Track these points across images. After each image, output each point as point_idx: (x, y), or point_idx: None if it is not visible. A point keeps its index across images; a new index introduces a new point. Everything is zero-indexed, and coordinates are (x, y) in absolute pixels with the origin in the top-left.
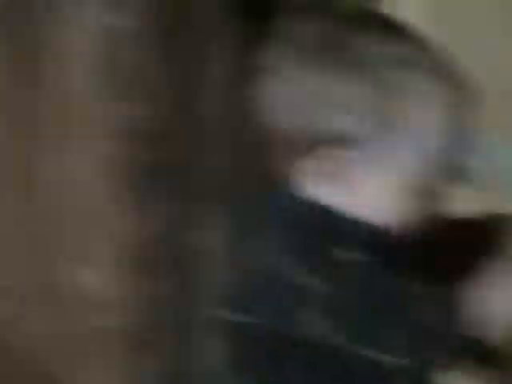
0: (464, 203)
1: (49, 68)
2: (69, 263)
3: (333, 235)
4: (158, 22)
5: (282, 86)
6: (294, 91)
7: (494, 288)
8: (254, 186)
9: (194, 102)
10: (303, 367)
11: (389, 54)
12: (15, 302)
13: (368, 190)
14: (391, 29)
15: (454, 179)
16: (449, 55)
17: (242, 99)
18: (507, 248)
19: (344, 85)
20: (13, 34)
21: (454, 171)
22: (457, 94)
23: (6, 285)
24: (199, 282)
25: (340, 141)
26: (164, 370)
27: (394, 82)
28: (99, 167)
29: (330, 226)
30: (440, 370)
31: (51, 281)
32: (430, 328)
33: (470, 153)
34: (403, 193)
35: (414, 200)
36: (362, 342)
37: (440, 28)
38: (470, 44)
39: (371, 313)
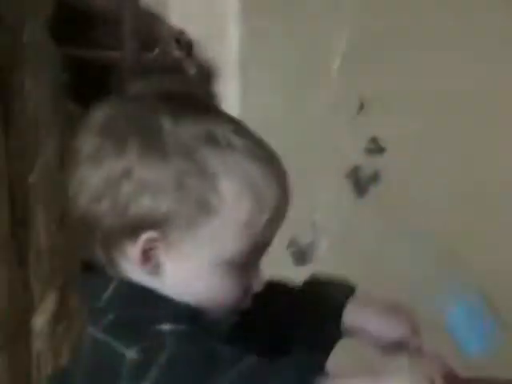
0: None
1: None
2: None
3: (149, 311)
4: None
5: (87, 170)
6: (97, 175)
7: None
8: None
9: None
10: None
11: (197, 132)
12: None
13: (176, 275)
14: (194, 104)
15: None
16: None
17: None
18: None
19: (149, 167)
20: None
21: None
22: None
23: None
24: None
25: (150, 223)
26: None
27: (206, 162)
28: None
29: (146, 303)
30: None
31: None
32: None
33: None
34: (216, 270)
35: (232, 279)
36: None
37: None
38: None
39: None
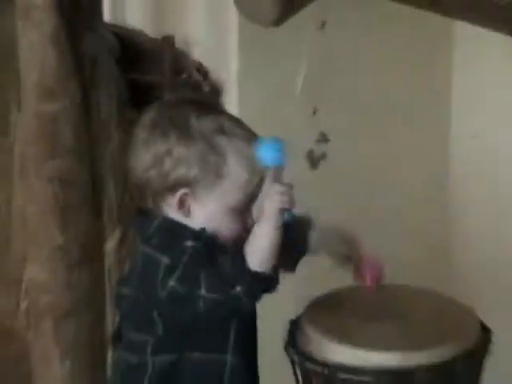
0: None
1: None
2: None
3: (181, 235)
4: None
5: (141, 151)
6: (148, 154)
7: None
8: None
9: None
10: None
11: (212, 126)
12: None
13: (200, 215)
14: (210, 108)
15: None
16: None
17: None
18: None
19: (181, 148)
20: None
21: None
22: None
23: None
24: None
25: (183, 184)
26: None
27: (217, 144)
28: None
29: (178, 231)
30: None
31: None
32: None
33: None
34: (225, 214)
35: (234, 217)
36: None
37: None
38: None
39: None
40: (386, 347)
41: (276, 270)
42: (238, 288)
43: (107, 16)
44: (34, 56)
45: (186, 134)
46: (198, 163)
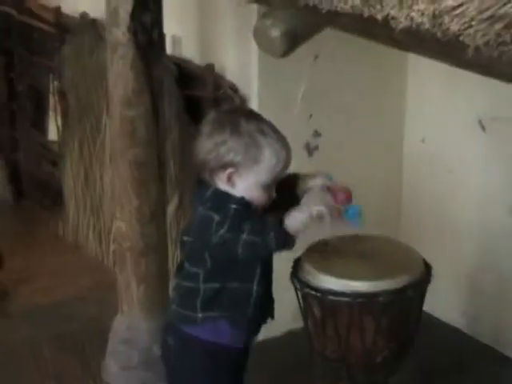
0: None
1: None
2: None
3: (228, 200)
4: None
5: (204, 140)
6: (209, 142)
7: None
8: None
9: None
10: (212, 256)
11: (255, 128)
12: None
13: (241, 187)
14: (255, 116)
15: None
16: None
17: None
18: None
19: (233, 140)
20: None
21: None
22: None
23: None
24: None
25: (231, 165)
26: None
27: (257, 140)
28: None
29: (226, 198)
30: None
31: None
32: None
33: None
34: (258, 188)
35: (263, 191)
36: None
37: None
38: None
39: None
40: (360, 277)
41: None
42: (272, 234)
43: (168, 50)
44: (119, 78)
45: (236, 130)
46: (243, 152)
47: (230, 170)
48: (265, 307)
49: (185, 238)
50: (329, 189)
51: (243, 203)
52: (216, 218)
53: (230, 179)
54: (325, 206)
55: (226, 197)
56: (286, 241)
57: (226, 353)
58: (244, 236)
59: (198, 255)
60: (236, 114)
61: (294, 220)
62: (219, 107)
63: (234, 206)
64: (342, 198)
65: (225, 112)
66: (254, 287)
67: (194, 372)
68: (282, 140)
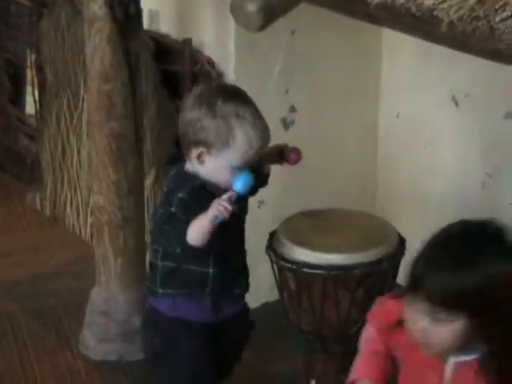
0: None
1: None
2: None
3: (182, 185)
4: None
5: (184, 113)
6: (187, 117)
7: None
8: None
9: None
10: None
11: (232, 111)
12: None
13: (210, 167)
14: (238, 97)
15: None
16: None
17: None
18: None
19: (206, 120)
20: None
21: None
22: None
23: None
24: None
25: (203, 143)
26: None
27: (230, 123)
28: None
29: (183, 181)
30: None
31: None
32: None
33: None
34: (226, 170)
35: (232, 174)
36: None
37: None
38: None
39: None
40: (335, 250)
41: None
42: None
43: (146, 25)
44: (96, 52)
45: (211, 110)
46: (214, 133)
47: (201, 149)
48: (229, 283)
49: (154, 218)
50: (282, 149)
51: (194, 193)
52: (179, 195)
53: (199, 157)
54: (216, 209)
55: (182, 180)
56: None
57: (187, 328)
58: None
59: (156, 233)
60: (218, 92)
61: (200, 222)
62: (202, 82)
63: (180, 196)
64: (294, 158)
65: (208, 89)
66: (210, 270)
67: (158, 343)
68: (258, 126)
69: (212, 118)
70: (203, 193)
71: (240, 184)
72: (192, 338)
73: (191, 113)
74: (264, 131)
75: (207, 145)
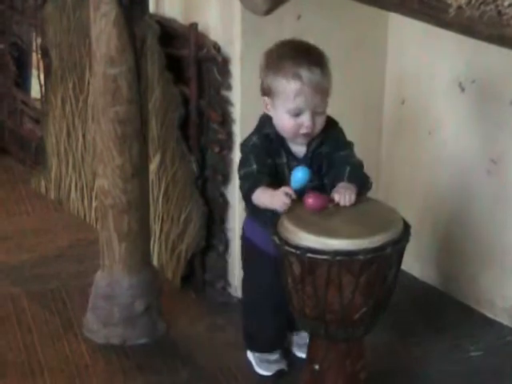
0: None
1: None
2: None
3: (259, 127)
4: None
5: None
6: (261, 66)
7: None
8: None
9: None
10: None
11: (294, 72)
12: None
13: (275, 116)
14: (307, 53)
15: None
16: None
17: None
18: None
19: (269, 72)
20: None
21: None
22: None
23: None
24: None
25: (267, 93)
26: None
27: (290, 84)
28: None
29: (261, 124)
30: None
31: None
32: None
33: None
34: (285, 116)
35: (291, 118)
36: None
37: None
38: None
39: None
40: (340, 236)
41: None
42: (246, 187)
43: (152, 9)
44: (102, 36)
45: (276, 68)
46: (274, 86)
47: (265, 98)
48: None
49: None
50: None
51: (267, 137)
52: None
53: (266, 106)
54: (277, 203)
55: (261, 123)
56: (247, 204)
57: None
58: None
59: None
60: (280, 47)
61: (265, 199)
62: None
63: (254, 139)
64: (307, 202)
65: (286, 42)
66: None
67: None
68: (305, 71)
69: (275, 74)
70: (265, 141)
71: (294, 181)
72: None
73: (262, 63)
74: (307, 77)
75: (269, 94)
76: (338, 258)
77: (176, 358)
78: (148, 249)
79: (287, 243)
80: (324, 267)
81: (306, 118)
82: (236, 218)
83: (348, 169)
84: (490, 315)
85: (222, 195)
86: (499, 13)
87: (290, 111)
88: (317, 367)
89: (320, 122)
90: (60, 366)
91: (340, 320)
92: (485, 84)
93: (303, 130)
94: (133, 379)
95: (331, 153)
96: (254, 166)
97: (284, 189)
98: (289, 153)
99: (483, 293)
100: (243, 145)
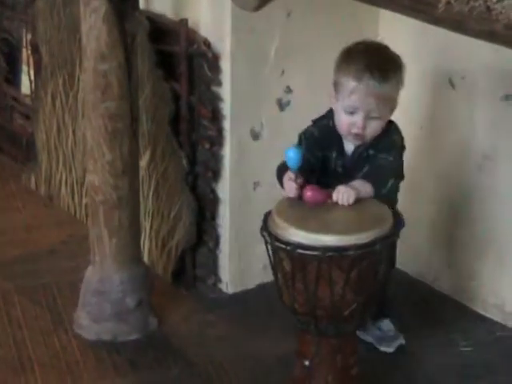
0: None
1: None
2: None
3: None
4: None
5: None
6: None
7: None
8: None
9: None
10: None
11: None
12: None
13: (336, 109)
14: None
15: None
16: None
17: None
18: None
19: (339, 68)
20: None
21: None
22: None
23: None
24: None
25: (334, 86)
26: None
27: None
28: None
29: (323, 115)
30: None
31: None
32: None
33: None
34: (341, 112)
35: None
36: None
37: None
38: None
39: None
40: (329, 232)
41: None
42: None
43: (142, 5)
44: (92, 32)
45: (345, 64)
46: (338, 81)
47: (331, 90)
48: None
49: None
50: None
51: (326, 127)
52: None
53: (331, 99)
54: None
55: (325, 114)
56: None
57: None
58: None
59: None
60: (363, 49)
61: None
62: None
63: (312, 129)
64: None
65: (363, 42)
66: None
67: None
68: (365, 73)
69: (338, 63)
70: (321, 132)
71: (288, 162)
72: None
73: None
74: (367, 76)
75: (334, 88)
76: (329, 254)
77: (167, 353)
78: (138, 245)
79: (277, 239)
80: (314, 263)
81: (358, 118)
82: (227, 214)
83: (367, 168)
84: (482, 311)
85: (213, 191)
86: (488, 8)
87: (345, 108)
88: (307, 363)
89: (373, 127)
90: (50, 362)
91: (330, 316)
92: (475, 80)
93: (354, 130)
94: (124, 375)
95: (375, 155)
96: None
97: (286, 175)
98: (340, 148)
99: (475, 289)
100: (302, 133)
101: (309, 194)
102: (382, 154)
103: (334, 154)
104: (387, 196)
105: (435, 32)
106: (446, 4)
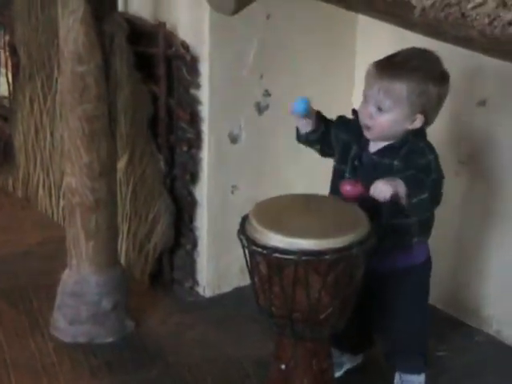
0: None
1: None
2: None
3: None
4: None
5: None
6: None
7: None
8: None
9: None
10: None
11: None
12: None
13: None
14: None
15: None
16: None
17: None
18: None
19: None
20: None
21: None
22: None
23: None
24: None
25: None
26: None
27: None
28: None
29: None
30: None
31: None
32: None
33: None
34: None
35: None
36: None
37: None
38: None
39: None
40: (306, 236)
41: None
42: None
43: (120, 7)
44: (70, 33)
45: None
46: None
47: None
48: None
49: None
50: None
51: (356, 117)
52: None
53: None
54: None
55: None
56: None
57: None
58: None
59: None
60: (402, 52)
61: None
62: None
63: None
64: (344, 190)
65: (409, 48)
66: None
67: None
68: (386, 64)
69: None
70: (356, 121)
71: (294, 109)
72: None
73: None
74: (384, 64)
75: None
76: (305, 257)
77: (144, 356)
78: (116, 247)
79: (254, 243)
80: (291, 267)
81: (367, 107)
82: (204, 216)
83: (410, 172)
84: (459, 317)
85: (191, 194)
86: (463, 15)
87: (363, 95)
88: (283, 366)
89: (380, 123)
90: (26, 364)
91: (307, 319)
92: (452, 85)
93: (363, 120)
94: (100, 378)
95: (404, 169)
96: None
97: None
98: (364, 144)
99: (452, 295)
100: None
101: (347, 188)
102: (421, 174)
103: (354, 146)
104: (415, 209)
105: (413, 38)
106: (421, 10)
